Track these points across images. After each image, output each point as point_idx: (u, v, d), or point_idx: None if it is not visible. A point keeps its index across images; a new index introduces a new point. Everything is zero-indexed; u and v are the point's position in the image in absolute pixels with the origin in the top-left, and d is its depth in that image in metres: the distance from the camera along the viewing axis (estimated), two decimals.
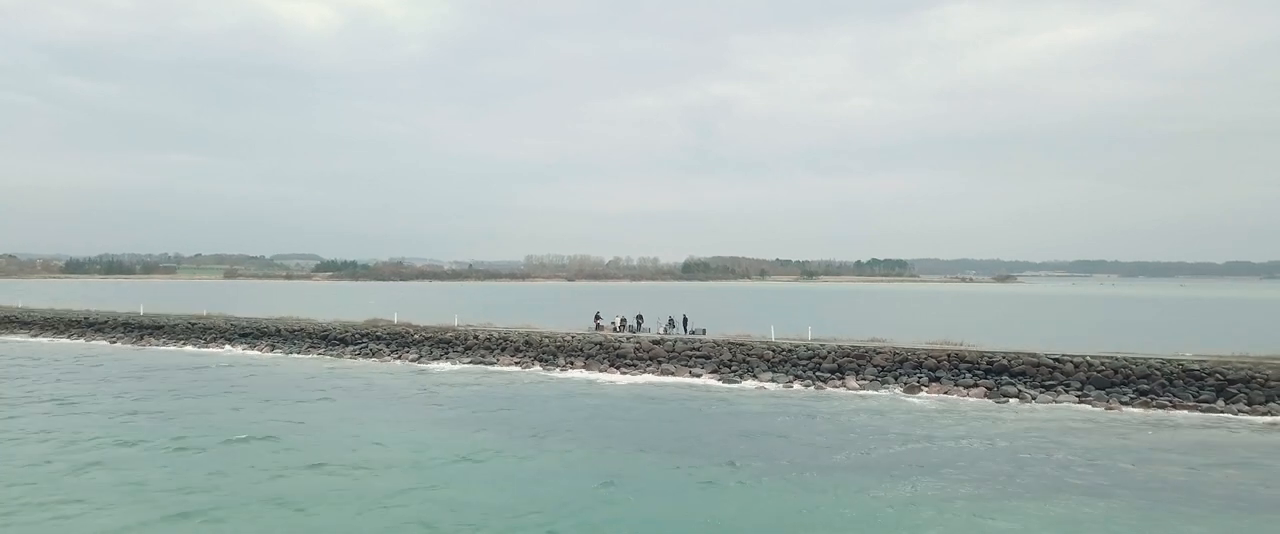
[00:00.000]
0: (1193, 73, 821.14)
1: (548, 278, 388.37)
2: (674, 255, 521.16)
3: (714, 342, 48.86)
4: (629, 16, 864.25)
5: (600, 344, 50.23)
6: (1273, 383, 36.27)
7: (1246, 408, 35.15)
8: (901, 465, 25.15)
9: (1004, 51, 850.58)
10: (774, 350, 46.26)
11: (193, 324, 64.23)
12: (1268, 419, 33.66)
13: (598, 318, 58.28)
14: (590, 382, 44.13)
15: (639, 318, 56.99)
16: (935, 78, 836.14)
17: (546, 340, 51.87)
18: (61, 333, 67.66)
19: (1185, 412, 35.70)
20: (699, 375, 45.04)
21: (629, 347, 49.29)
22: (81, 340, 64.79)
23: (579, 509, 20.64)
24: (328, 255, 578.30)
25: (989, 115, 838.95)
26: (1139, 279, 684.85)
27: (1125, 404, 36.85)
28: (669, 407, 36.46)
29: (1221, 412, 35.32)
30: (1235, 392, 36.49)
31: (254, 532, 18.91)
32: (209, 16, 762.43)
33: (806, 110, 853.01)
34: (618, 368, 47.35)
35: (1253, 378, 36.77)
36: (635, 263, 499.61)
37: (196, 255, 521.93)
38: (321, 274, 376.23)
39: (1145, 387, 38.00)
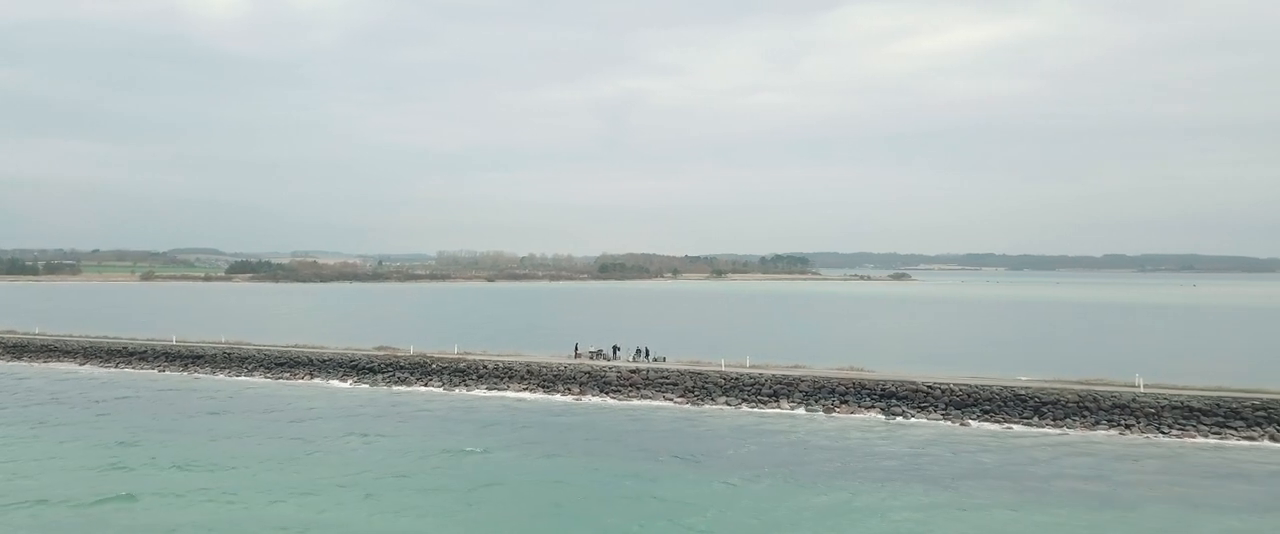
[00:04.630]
0: (1075, 73, 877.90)
1: (466, 278, 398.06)
2: (587, 249, 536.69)
3: (678, 370, 63.76)
4: (540, 7, 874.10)
5: (589, 373, 64.60)
6: (1069, 404, 53.16)
7: (1050, 423, 51.91)
8: (824, 469, 40.40)
9: (900, 51, 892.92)
10: (725, 378, 61.46)
11: (229, 354, 75.85)
12: (1059, 431, 50.40)
13: (577, 348, 72.61)
14: (590, 406, 58.55)
15: (615, 348, 71.44)
16: (836, 76, 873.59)
17: (545, 369, 65.93)
18: (107, 362, 77.82)
19: (1015, 426, 52.15)
20: (671, 399, 59.99)
21: (612, 374, 63.86)
22: (130, 370, 75.37)
23: (634, 502, 35.28)
24: (228, 249, 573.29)
25: (886, 112, 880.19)
26: (1024, 272, 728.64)
27: (974, 421, 53.26)
28: (659, 426, 51.18)
29: (1037, 426, 51.92)
30: (1046, 410, 53.27)
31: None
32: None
33: (714, 105, 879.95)
34: (607, 393, 61.83)
35: (1057, 400, 53.68)
36: (550, 258, 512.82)
37: (95, 251, 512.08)
38: (239, 275, 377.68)
39: (989, 407, 54.52)
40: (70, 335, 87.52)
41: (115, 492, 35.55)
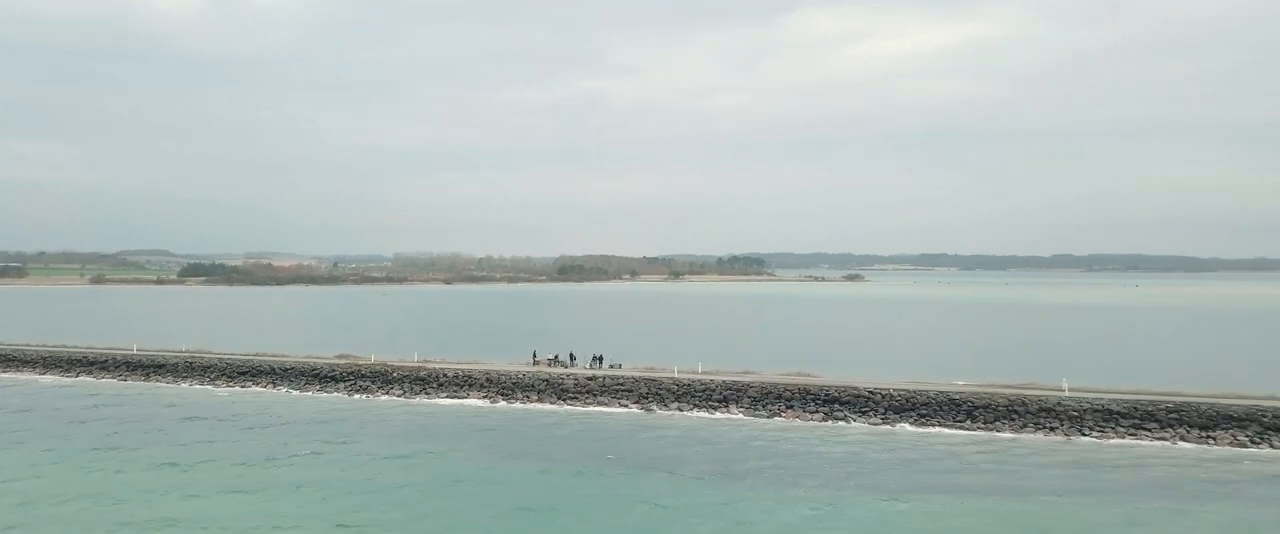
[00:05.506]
0: (1027, 77, 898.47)
1: (424, 280, 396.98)
2: (547, 249, 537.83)
3: (633, 377, 66.16)
4: (499, 8, 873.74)
5: (547, 381, 66.76)
6: (1000, 408, 56.43)
7: (981, 425, 55.14)
8: (755, 468, 43.11)
9: (857, 54, 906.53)
10: (678, 385, 63.99)
11: (191, 363, 76.81)
12: (988, 433, 53.65)
13: (535, 355, 74.72)
14: (548, 412, 60.74)
15: (572, 355, 73.65)
16: (794, 77, 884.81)
17: (504, 378, 67.94)
18: (67, 371, 78.35)
19: (947, 429, 55.25)
20: (626, 405, 62.39)
21: (569, 383, 66.09)
22: (91, 379, 76.00)
23: (582, 504, 37.74)
24: (179, 250, 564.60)
25: (843, 113, 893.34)
26: (976, 272, 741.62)
27: (911, 425, 56.34)
28: (613, 432, 53.52)
29: (968, 429, 55.10)
30: (978, 414, 56.52)
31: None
32: None
33: (673, 106, 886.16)
34: (564, 400, 64.06)
35: (989, 405, 56.96)
36: (508, 259, 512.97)
37: (41, 253, 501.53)
38: (193, 278, 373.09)
39: (925, 411, 57.67)
40: (28, 344, 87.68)
41: (98, 499, 37.49)
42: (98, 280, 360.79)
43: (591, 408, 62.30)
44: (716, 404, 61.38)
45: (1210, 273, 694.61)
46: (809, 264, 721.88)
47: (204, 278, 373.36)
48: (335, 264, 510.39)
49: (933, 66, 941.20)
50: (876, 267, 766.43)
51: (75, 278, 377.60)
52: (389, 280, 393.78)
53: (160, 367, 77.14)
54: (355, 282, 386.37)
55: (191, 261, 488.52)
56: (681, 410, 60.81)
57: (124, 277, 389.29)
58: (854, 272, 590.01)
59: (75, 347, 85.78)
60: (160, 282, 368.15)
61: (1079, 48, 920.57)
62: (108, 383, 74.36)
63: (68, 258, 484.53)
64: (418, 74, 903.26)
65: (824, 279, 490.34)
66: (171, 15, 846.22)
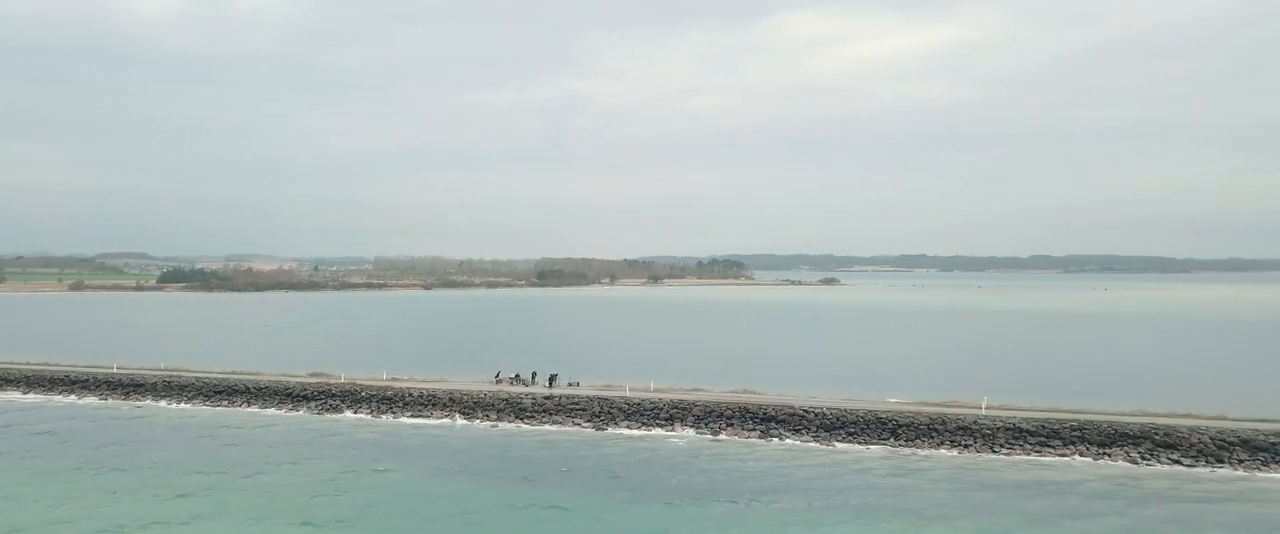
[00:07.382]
0: (1005, 79, 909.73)
1: (403, 286, 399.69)
2: (528, 251, 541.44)
3: (587, 396, 70.53)
4: (483, 11, 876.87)
5: (507, 400, 71.06)
6: (921, 426, 61.25)
7: (902, 442, 59.89)
8: (703, 486, 47.64)
9: (836, 56, 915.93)
10: (629, 403, 68.46)
11: (169, 382, 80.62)
12: (909, 450, 58.45)
13: (498, 374, 79.04)
14: (506, 432, 65.08)
15: (533, 374, 77.95)
16: (775, 79, 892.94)
17: (466, 397, 72.17)
18: (51, 390, 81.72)
19: (872, 446, 60.00)
20: (579, 424, 66.81)
21: (528, 402, 70.47)
22: (73, 398, 79.50)
23: (523, 514, 42.29)
24: (158, 252, 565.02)
25: (823, 115, 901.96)
26: (954, 273, 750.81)
27: (839, 441, 61.07)
28: (562, 450, 58.01)
29: (891, 446, 59.87)
30: (901, 432, 61.29)
31: None
32: None
33: (654, 108, 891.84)
34: (522, 419, 68.43)
35: (912, 423, 61.77)
36: (488, 262, 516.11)
37: (19, 257, 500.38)
38: (172, 284, 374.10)
39: (853, 429, 62.40)
40: (11, 363, 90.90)
41: (76, 512, 41.79)
42: (76, 286, 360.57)
43: (547, 426, 66.66)
44: (664, 422, 65.90)
45: (1185, 274, 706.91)
46: (790, 265, 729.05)
47: (183, 283, 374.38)
48: (315, 267, 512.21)
49: (912, 69, 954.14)
50: (857, 267, 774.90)
51: (53, 283, 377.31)
52: (368, 286, 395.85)
53: (140, 386, 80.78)
54: (335, 287, 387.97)
55: (171, 264, 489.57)
56: (630, 428, 65.25)
57: (103, 282, 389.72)
58: (832, 274, 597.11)
59: (57, 365, 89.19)
60: (139, 287, 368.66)
61: (1057, 51, 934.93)
62: (89, 401, 78.01)
63: (46, 262, 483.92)
64: (401, 75, 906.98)
65: (800, 283, 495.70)
66: (154, 16, 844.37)
